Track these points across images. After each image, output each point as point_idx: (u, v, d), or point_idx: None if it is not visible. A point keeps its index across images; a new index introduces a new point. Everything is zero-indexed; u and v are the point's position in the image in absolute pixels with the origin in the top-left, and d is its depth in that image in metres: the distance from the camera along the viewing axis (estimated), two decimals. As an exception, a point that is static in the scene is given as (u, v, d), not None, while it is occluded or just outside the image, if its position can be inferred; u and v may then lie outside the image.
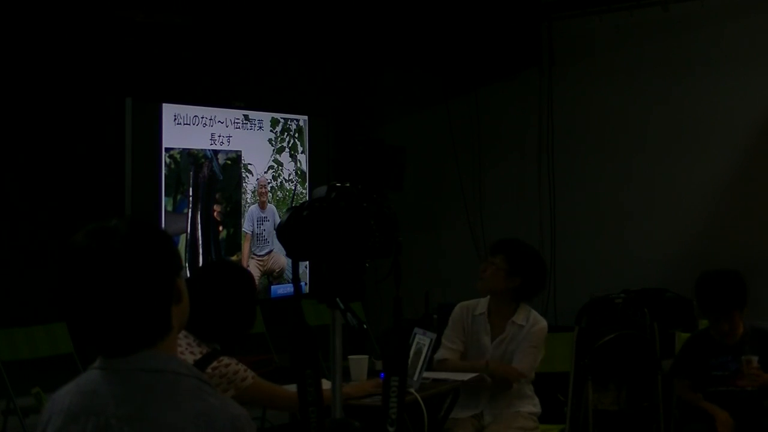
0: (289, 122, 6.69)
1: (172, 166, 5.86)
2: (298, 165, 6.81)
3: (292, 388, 3.53)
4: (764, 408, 4.86)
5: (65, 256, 1.87)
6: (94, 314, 1.84)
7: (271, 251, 6.57)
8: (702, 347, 4.99)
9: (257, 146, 6.49)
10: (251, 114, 6.47)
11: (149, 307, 1.85)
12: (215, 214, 6.17)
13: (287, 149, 6.72)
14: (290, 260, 2.42)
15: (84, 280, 1.84)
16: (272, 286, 6.63)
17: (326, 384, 2.36)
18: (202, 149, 6.07)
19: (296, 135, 6.80)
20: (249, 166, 6.42)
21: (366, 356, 4.54)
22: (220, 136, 6.19)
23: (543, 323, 4.79)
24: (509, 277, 4.72)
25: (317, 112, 7.11)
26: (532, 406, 4.79)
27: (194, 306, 1.83)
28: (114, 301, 1.82)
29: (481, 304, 4.86)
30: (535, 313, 4.82)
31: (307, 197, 5.93)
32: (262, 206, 6.52)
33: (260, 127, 6.52)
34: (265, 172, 6.55)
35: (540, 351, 4.76)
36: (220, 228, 6.23)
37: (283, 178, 6.68)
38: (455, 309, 4.92)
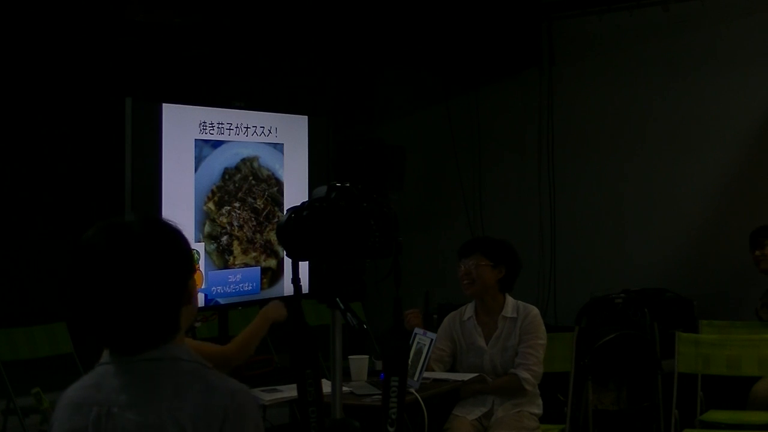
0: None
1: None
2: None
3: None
4: None
5: (77, 251, 1.86)
6: (103, 311, 1.84)
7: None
8: None
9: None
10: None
11: (160, 307, 1.85)
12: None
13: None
14: (290, 260, 2.41)
15: (95, 276, 1.84)
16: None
17: (326, 385, 2.36)
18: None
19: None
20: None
21: (366, 356, 4.54)
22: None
23: (534, 310, 4.85)
24: (495, 269, 4.80)
25: (317, 112, 7.11)
26: (535, 406, 4.80)
27: None
28: (124, 300, 1.82)
29: (468, 309, 4.91)
30: (521, 303, 4.87)
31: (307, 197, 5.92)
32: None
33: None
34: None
35: (542, 340, 4.79)
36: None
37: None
38: (443, 321, 4.98)
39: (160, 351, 1.86)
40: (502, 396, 4.75)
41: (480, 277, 4.78)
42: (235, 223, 6.41)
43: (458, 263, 4.86)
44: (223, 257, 6.32)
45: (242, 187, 6.47)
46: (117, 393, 1.85)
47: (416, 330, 4.54)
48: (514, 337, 4.77)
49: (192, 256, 1.94)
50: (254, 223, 6.56)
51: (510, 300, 4.86)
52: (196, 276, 1.95)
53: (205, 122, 6.20)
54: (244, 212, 6.50)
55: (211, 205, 6.23)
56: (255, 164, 6.58)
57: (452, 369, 4.87)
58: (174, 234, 1.91)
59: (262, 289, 6.47)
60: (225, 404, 1.83)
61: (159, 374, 1.85)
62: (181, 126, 6.05)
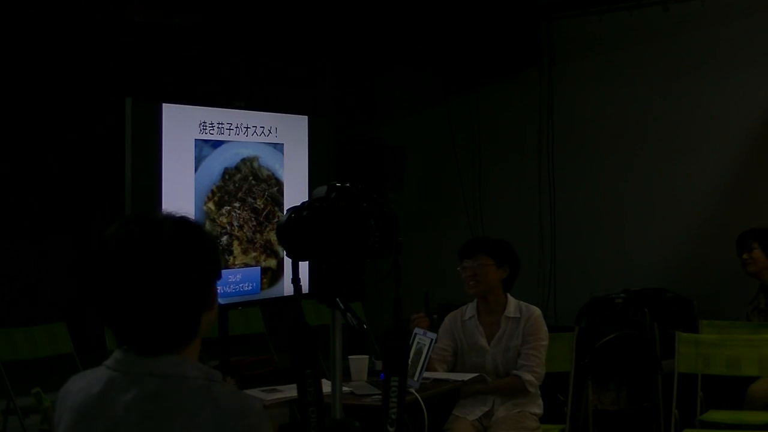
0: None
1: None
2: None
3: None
4: None
5: (103, 244, 1.82)
6: (127, 307, 1.81)
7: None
8: None
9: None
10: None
11: (183, 307, 1.82)
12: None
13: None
14: (290, 260, 2.40)
15: (123, 270, 1.80)
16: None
17: (326, 385, 2.36)
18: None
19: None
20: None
21: (366, 356, 4.55)
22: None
23: (537, 311, 4.86)
24: (499, 268, 4.81)
25: (317, 112, 7.12)
26: (536, 407, 4.81)
27: None
28: (150, 296, 1.79)
29: (469, 308, 4.92)
30: (523, 303, 4.88)
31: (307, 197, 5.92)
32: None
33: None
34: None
35: (545, 341, 4.80)
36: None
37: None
38: (444, 320, 4.98)
39: (170, 365, 1.82)
40: (503, 396, 4.76)
41: (485, 277, 4.79)
42: (235, 223, 6.41)
43: (460, 264, 4.86)
44: (223, 257, 6.33)
45: (242, 187, 6.47)
46: (125, 411, 1.81)
47: (416, 330, 4.54)
48: (517, 338, 4.77)
49: (220, 257, 1.90)
50: (254, 223, 6.56)
51: (512, 300, 4.86)
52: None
53: (205, 122, 6.20)
54: (244, 212, 6.50)
55: (211, 205, 6.23)
56: (255, 164, 6.58)
57: (454, 369, 4.87)
58: (203, 233, 1.89)
59: (262, 289, 6.48)
60: (236, 426, 1.80)
61: (167, 394, 1.80)
62: (181, 126, 6.06)
